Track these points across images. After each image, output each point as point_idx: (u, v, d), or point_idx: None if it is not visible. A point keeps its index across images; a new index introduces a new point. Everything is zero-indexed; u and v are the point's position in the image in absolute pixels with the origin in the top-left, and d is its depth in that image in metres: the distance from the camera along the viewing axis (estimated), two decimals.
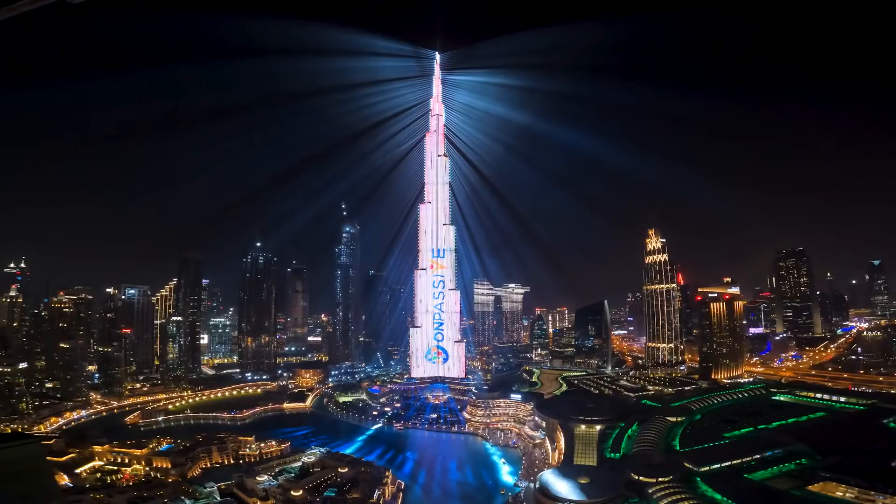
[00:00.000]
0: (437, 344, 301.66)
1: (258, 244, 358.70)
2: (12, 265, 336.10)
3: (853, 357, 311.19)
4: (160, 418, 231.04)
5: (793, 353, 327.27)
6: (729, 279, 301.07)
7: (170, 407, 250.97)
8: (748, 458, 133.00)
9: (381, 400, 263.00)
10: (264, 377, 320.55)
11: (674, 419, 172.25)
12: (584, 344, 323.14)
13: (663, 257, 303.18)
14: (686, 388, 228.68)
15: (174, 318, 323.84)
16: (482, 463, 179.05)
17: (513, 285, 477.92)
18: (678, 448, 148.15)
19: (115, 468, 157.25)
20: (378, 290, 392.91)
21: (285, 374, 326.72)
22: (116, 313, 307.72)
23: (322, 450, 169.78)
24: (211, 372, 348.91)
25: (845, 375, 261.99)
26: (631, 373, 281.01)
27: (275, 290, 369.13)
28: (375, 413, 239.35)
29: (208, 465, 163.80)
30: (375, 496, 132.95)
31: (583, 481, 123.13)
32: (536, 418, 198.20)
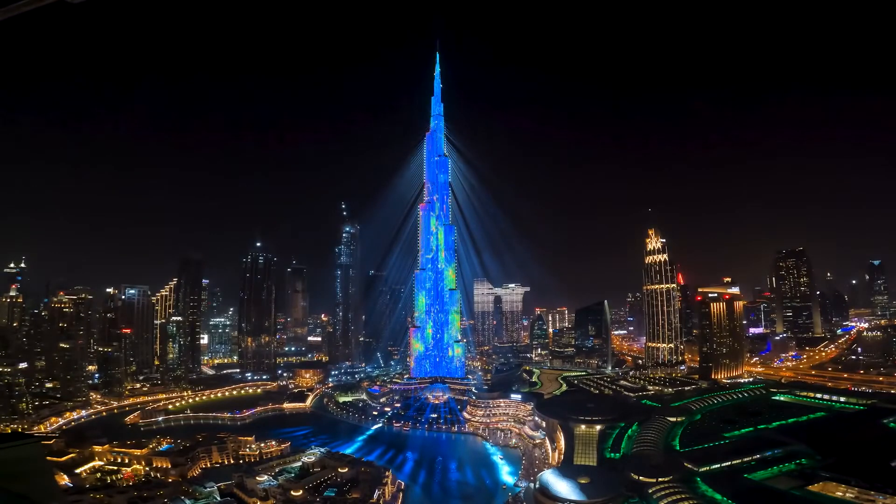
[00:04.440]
0: (436, 344, 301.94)
1: (258, 244, 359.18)
2: (12, 265, 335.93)
3: (853, 357, 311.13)
4: (160, 418, 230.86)
5: (793, 353, 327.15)
6: (729, 279, 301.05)
7: (170, 407, 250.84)
8: (748, 458, 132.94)
9: (381, 400, 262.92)
10: (264, 377, 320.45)
11: (674, 419, 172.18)
12: (584, 344, 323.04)
13: (663, 257, 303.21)
14: (686, 388, 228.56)
15: (174, 318, 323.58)
16: (482, 463, 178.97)
17: (513, 285, 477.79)
18: (678, 448, 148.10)
19: (115, 468, 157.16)
20: (378, 290, 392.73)
21: (285, 374, 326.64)
22: (116, 313, 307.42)
23: (322, 450, 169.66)
24: (211, 372, 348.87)
25: (845, 375, 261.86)
26: (631, 373, 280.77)
27: (275, 290, 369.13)
28: (375, 413, 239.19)
29: (208, 465, 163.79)
30: (375, 496, 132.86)
31: (583, 481, 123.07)
32: (536, 418, 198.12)
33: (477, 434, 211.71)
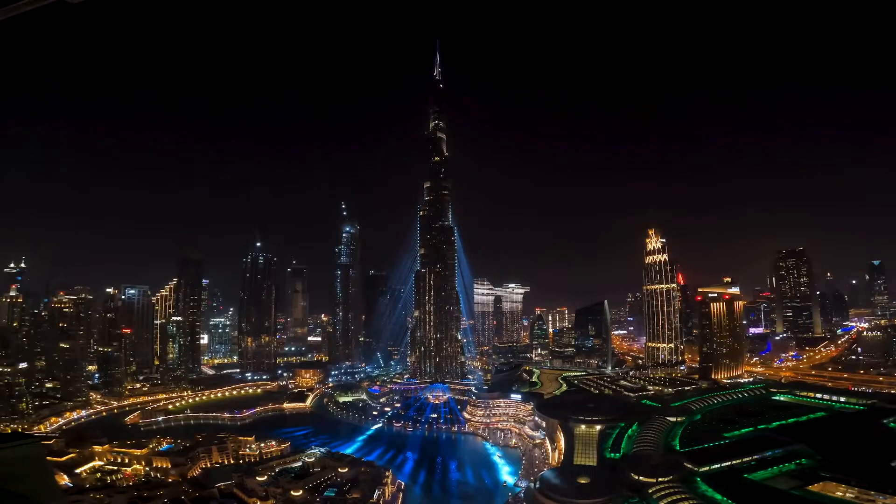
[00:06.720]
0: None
1: (258, 244, 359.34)
2: (12, 265, 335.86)
3: (853, 357, 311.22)
4: (160, 418, 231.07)
5: (793, 353, 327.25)
6: (729, 279, 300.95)
7: (170, 407, 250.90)
8: (748, 458, 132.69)
9: (381, 400, 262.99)
10: (264, 377, 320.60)
11: (674, 419, 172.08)
12: (584, 344, 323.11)
13: (663, 257, 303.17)
14: (686, 388, 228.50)
15: (174, 318, 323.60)
16: (482, 463, 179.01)
17: (513, 285, 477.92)
18: (678, 448, 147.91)
19: (115, 468, 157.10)
20: (378, 290, 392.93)
21: (285, 374, 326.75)
22: (116, 313, 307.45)
23: (322, 450, 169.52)
24: (211, 372, 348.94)
25: (845, 375, 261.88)
26: (631, 373, 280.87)
27: (275, 290, 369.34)
28: (375, 413, 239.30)
29: (208, 465, 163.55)
30: (375, 496, 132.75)
31: (583, 481, 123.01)
32: (536, 418, 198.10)
33: (477, 434, 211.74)
